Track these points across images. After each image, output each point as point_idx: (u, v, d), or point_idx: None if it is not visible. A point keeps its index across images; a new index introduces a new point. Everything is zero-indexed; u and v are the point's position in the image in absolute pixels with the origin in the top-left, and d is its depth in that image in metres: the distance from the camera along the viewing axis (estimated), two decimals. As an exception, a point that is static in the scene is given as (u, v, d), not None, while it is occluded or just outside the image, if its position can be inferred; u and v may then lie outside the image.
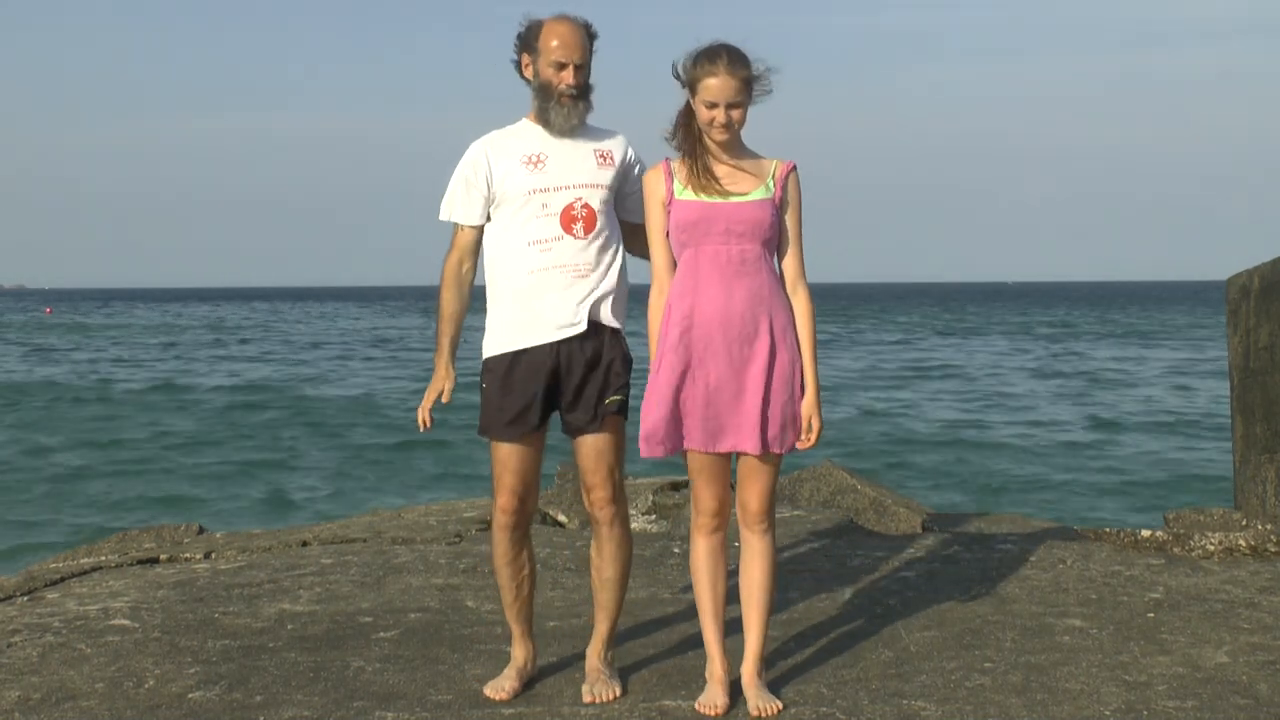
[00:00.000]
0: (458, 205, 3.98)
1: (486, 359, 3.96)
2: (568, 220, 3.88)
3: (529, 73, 3.95)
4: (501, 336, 3.93)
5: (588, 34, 3.94)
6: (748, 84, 3.73)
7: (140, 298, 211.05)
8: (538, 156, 3.92)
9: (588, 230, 3.89)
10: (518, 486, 3.94)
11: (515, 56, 3.98)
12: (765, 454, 3.76)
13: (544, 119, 3.93)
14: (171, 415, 26.75)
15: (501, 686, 3.90)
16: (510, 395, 3.89)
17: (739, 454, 3.81)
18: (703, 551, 3.85)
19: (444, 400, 3.98)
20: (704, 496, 3.83)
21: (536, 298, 3.87)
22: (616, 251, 3.97)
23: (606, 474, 3.92)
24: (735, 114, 3.72)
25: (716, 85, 3.68)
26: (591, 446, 3.91)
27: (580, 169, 3.93)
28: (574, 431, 3.94)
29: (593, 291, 3.88)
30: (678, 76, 3.79)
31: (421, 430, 3.99)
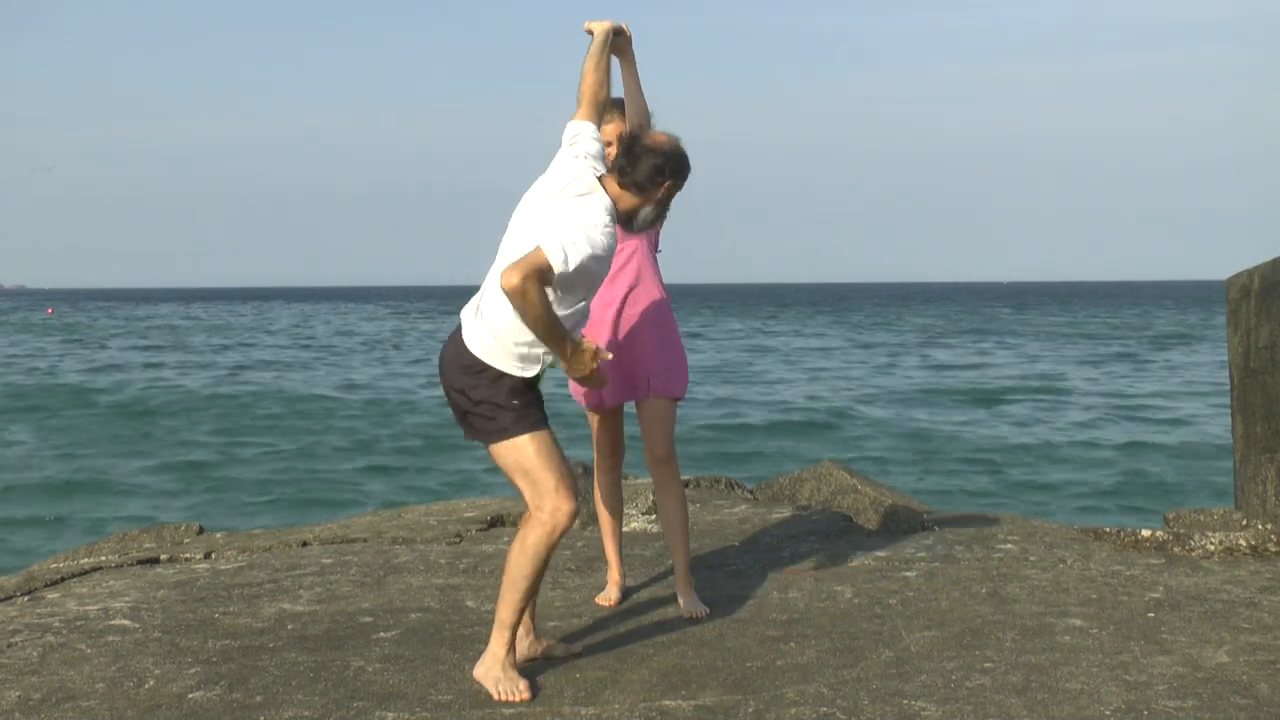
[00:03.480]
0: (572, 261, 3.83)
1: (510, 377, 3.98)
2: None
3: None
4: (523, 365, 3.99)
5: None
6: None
7: (141, 298, 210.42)
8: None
9: None
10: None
11: None
12: (653, 399, 4.72)
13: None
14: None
15: (518, 688, 3.88)
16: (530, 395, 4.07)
17: (637, 405, 4.77)
18: (604, 486, 4.94)
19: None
20: (603, 441, 4.90)
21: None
22: None
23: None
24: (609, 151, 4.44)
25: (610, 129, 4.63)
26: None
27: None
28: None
29: None
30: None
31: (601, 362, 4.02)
